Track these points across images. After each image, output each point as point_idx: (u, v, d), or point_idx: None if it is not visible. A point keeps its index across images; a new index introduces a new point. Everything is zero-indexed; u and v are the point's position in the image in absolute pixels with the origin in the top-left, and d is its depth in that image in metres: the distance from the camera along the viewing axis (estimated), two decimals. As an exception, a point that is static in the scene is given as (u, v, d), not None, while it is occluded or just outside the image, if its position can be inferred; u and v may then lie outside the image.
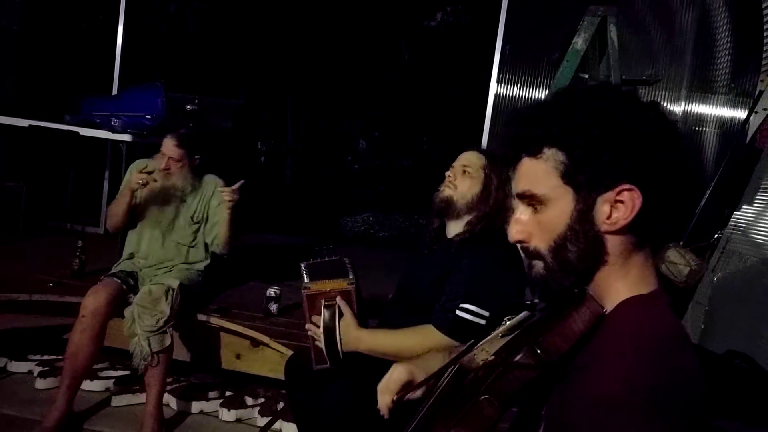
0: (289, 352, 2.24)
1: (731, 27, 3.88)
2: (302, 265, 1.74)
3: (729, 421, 2.15)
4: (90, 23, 5.44)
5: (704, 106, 4.02)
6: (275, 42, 7.04)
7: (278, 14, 6.82)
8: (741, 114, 3.85)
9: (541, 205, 0.80)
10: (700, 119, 4.04)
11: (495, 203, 1.68)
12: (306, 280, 1.69)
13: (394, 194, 7.84)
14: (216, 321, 2.60)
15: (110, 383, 2.63)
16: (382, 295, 2.09)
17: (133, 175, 2.49)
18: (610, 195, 0.76)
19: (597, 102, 0.78)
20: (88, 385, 2.54)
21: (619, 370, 0.70)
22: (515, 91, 4.15)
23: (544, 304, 0.83)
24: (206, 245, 2.71)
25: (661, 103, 4.04)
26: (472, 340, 0.94)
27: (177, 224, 2.64)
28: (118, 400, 2.55)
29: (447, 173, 1.76)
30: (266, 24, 6.82)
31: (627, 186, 0.75)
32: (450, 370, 0.92)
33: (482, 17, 6.45)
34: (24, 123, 3.77)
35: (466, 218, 1.72)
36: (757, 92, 3.53)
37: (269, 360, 2.54)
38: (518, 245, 0.84)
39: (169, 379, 2.46)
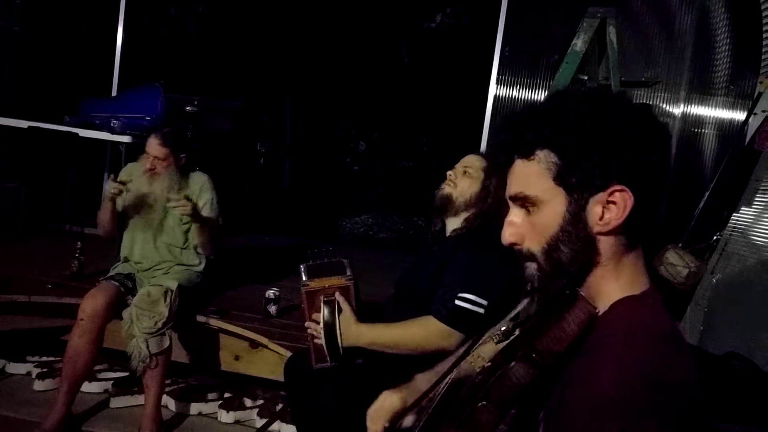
0: (288, 354, 2.23)
1: (730, 29, 3.89)
2: (301, 266, 1.76)
3: (729, 424, 2.14)
4: (90, 24, 5.44)
5: (703, 107, 4.03)
6: (274, 43, 7.04)
7: (278, 16, 6.83)
8: (740, 116, 3.86)
9: (534, 206, 0.80)
10: (699, 121, 4.04)
11: (494, 202, 1.72)
12: (304, 278, 1.72)
13: (394, 196, 7.84)
14: (215, 322, 2.60)
15: (109, 385, 2.63)
16: (382, 297, 2.10)
17: (108, 184, 2.46)
18: (602, 196, 0.76)
19: (588, 104, 0.79)
20: (86, 386, 2.54)
21: (614, 370, 0.70)
22: (515, 92, 4.15)
23: (536, 308, 0.83)
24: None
25: (661, 104, 4.08)
26: (465, 347, 0.93)
27: (166, 225, 2.60)
28: (116, 402, 2.54)
29: (448, 173, 1.82)
30: (266, 26, 6.82)
31: (619, 187, 0.75)
32: (447, 379, 0.92)
33: (482, 19, 6.45)
34: (23, 124, 3.77)
35: (464, 215, 1.77)
36: (756, 94, 3.54)
37: (268, 361, 2.54)
38: (512, 247, 0.84)
39: (167, 381, 2.46)
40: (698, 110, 4.04)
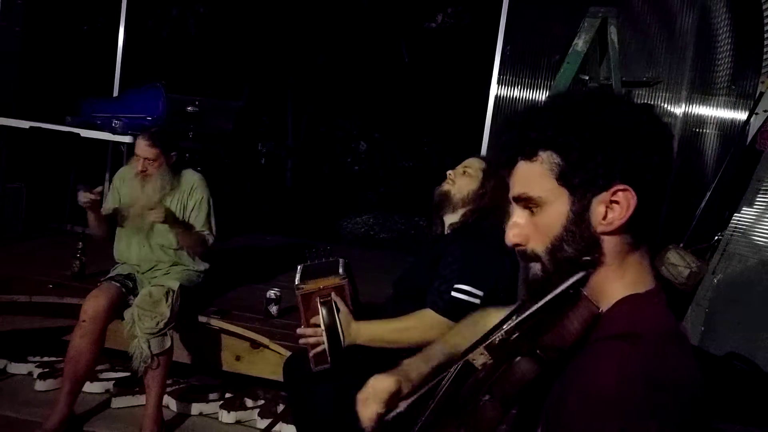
0: (289, 354, 2.23)
1: (731, 29, 3.89)
2: (299, 267, 1.79)
3: (730, 424, 2.14)
4: (91, 25, 5.45)
5: (705, 107, 4.02)
6: (276, 43, 7.04)
7: (279, 16, 6.83)
8: (741, 116, 3.85)
9: (537, 207, 0.80)
10: (700, 121, 4.04)
11: (490, 201, 1.74)
12: (297, 281, 1.73)
13: (395, 196, 7.84)
14: (216, 323, 2.60)
15: (110, 385, 2.63)
16: (382, 297, 2.10)
17: (80, 195, 2.42)
18: (605, 196, 0.76)
19: (590, 105, 0.80)
20: (88, 386, 2.54)
21: (615, 367, 0.70)
22: (516, 92, 4.15)
23: (537, 307, 0.83)
24: None
25: (662, 104, 4.07)
26: (468, 345, 0.93)
27: (157, 227, 2.55)
28: (117, 402, 2.55)
29: (448, 172, 1.88)
30: (267, 26, 6.83)
31: (621, 186, 0.75)
32: (449, 375, 0.92)
33: (483, 19, 6.45)
34: (25, 124, 3.78)
35: (461, 211, 1.82)
36: (757, 94, 3.53)
37: (269, 362, 2.54)
38: (516, 248, 0.84)
39: (168, 381, 2.46)
40: (700, 110, 4.03)
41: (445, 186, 1.86)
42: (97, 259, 2.95)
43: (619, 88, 3.20)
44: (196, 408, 2.57)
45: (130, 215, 2.54)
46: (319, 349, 1.67)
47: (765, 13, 3.53)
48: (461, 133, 6.66)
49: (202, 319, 2.61)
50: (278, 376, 2.34)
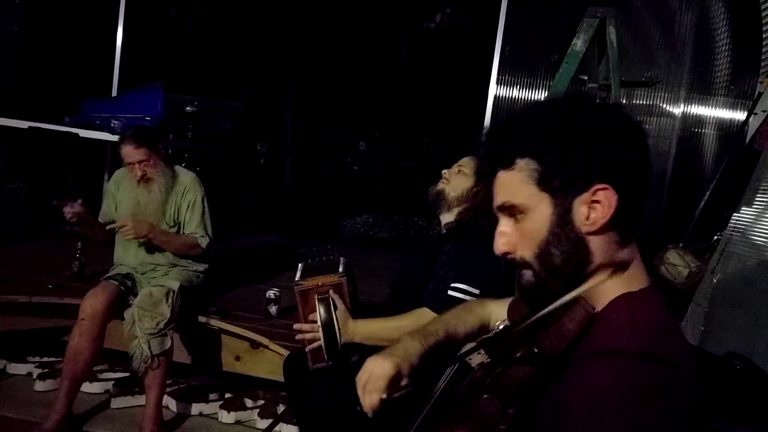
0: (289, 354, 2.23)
1: (730, 29, 3.89)
2: (300, 264, 1.79)
3: (729, 424, 2.14)
4: (90, 25, 5.44)
5: (703, 107, 4.03)
6: (275, 44, 7.04)
7: (278, 16, 6.83)
8: (740, 115, 3.86)
9: (521, 214, 0.82)
10: (699, 121, 4.05)
11: (485, 200, 1.73)
12: (297, 278, 1.73)
13: (394, 196, 7.84)
14: (216, 323, 2.60)
15: (110, 385, 2.63)
16: (381, 297, 2.10)
17: (65, 210, 2.40)
18: (586, 196, 0.78)
19: (562, 110, 0.81)
20: (87, 387, 2.54)
21: (611, 365, 0.71)
22: (515, 92, 4.16)
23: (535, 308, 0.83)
24: None
25: (661, 105, 4.08)
26: (466, 347, 0.94)
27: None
28: (117, 402, 2.54)
29: (443, 171, 1.89)
30: (266, 26, 6.82)
31: (601, 185, 0.77)
32: (448, 372, 0.92)
33: (481, 19, 6.45)
34: (24, 125, 3.78)
35: (457, 210, 1.83)
36: (756, 94, 3.54)
37: (269, 362, 2.54)
38: (506, 257, 0.85)
39: (168, 381, 2.46)
40: (698, 110, 4.04)
41: (440, 185, 1.87)
42: (97, 259, 2.95)
43: (617, 88, 3.21)
44: (195, 408, 2.57)
45: (141, 216, 2.50)
46: (315, 345, 1.67)
47: (764, 14, 3.53)
48: (460, 133, 6.67)
49: (202, 319, 2.61)
50: (278, 376, 2.34)
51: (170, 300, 2.34)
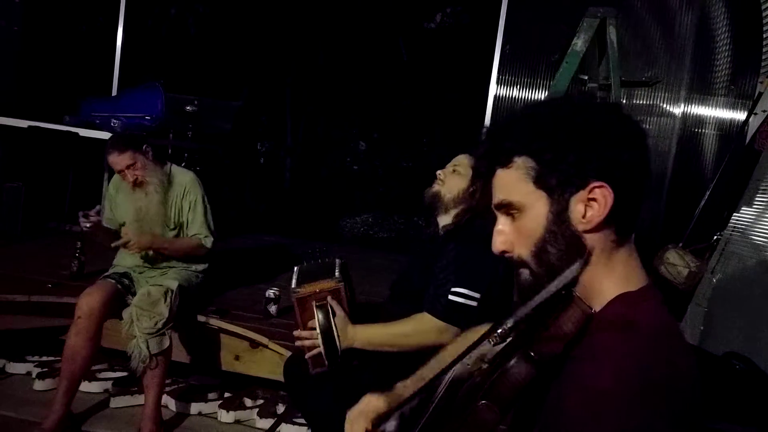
0: (288, 353, 2.23)
1: (731, 29, 3.89)
2: (295, 268, 1.76)
3: (729, 424, 2.14)
4: (90, 24, 5.44)
5: (704, 107, 4.03)
6: (275, 43, 7.04)
7: (278, 16, 6.83)
8: (740, 115, 3.86)
9: (518, 212, 0.82)
10: (699, 121, 4.04)
11: (482, 199, 1.71)
12: (294, 285, 1.71)
13: (394, 196, 7.84)
14: (215, 322, 2.60)
15: (109, 385, 2.62)
16: (381, 297, 2.10)
17: (80, 220, 2.38)
18: (582, 194, 0.78)
19: (560, 109, 0.82)
20: (86, 386, 2.53)
21: (611, 365, 0.71)
22: (515, 92, 4.15)
23: (530, 311, 0.83)
24: None
25: (661, 104, 4.07)
26: (463, 351, 0.94)
27: (155, 232, 2.51)
28: (116, 402, 2.54)
29: (438, 172, 1.85)
30: (266, 26, 6.82)
31: (597, 183, 0.77)
32: (445, 380, 0.92)
33: (482, 18, 6.45)
34: (23, 124, 3.78)
35: (454, 211, 1.80)
36: (756, 94, 3.54)
37: (268, 361, 2.53)
38: (504, 255, 0.85)
39: (167, 381, 2.46)
40: (699, 110, 4.04)
41: (435, 187, 1.83)
42: (96, 259, 2.94)
43: (617, 88, 3.21)
44: (195, 407, 2.57)
45: (140, 220, 2.49)
46: (315, 351, 1.66)
47: (764, 14, 3.53)
48: (460, 133, 6.67)
49: (201, 318, 2.60)
50: (277, 376, 2.33)
51: (168, 299, 2.33)
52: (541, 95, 4.11)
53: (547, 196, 0.79)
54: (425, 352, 1.36)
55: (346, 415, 1.17)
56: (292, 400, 1.92)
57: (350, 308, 1.71)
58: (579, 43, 3.05)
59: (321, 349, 1.64)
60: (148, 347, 2.24)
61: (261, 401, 2.61)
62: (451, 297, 1.64)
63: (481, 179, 0.88)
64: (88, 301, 2.28)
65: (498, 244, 0.85)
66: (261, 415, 2.51)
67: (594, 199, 0.77)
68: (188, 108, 4.02)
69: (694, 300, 2.81)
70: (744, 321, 2.58)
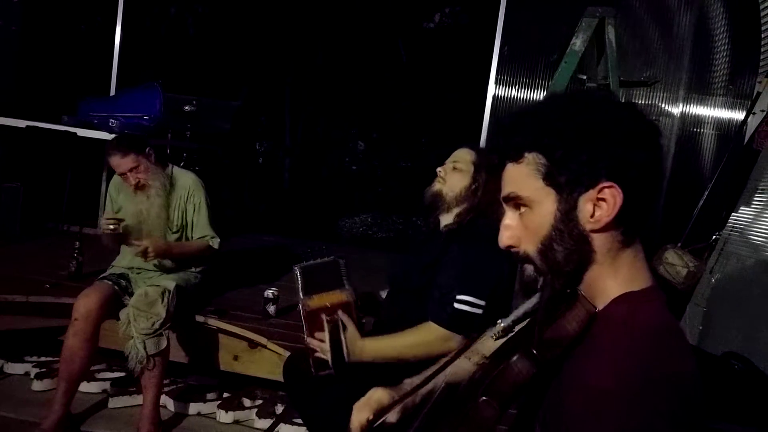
0: (287, 353, 2.23)
1: (729, 29, 3.89)
2: (295, 268, 1.71)
3: (728, 424, 2.14)
4: (88, 24, 5.44)
5: (702, 107, 4.03)
6: (274, 43, 7.04)
7: (277, 16, 6.83)
8: (739, 115, 3.86)
9: (526, 207, 0.82)
10: (698, 120, 4.05)
11: (484, 197, 1.70)
12: (302, 295, 1.66)
13: (393, 196, 7.84)
14: (213, 322, 2.60)
15: (107, 385, 2.62)
16: (379, 296, 2.09)
17: (103, 221, 2.39)
18: (591, 194, 0.77)
19: (573, 106, 0.81)
20: (84, 386, 2.53)
21: (613, 365, 0.71)
22: (513, 92, 4.15)
23: (533, 308, 0.83)
24: None
25: (660, 104, 4.07)
26: (461, 345, 0.94)
27: (155, 235, 2.49)
28: (114, 402, 2.54)
29: (438, 169, 1.80)
30: (265, 26, 6.82)
31: (607, 184, 0.76)
32: (444, 375, 0.92)
33: (480, 19, 6.45)
34: (22, 124, 3.77)
35: (456, 210, 1.76)
36: (755, 93, 3.54)
37: (267, 361, 2.53)
38: (510, 250, 0.85)
39: (166, 381, 2.45)
40: (697, 110, 4.04)
41: (436, 186, 1.78)
42: (94, 259, 2.94)
43: (616, 88, 3.21)
44: (193, 408, 2.56)
45: (142, 222, 2.48)
46: (321, 357, 1.65)
47: (762, 14, 3.53)
48: (459, 133, 6.67)
49: (200, 318, 2.60)
50: (276, 376, 2.33)
51: (166, 300, 2.33)
52: (540, 95, 4.11)
53: (556, 194, 0.79)
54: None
55: (353, 406, 1.20)
56: (290, 400, 1.91)
57: (357, 318, 1.67)
58: (578, 43, 3.05)
59: (328, 359, 1.62)
60: (145, 348, 2.24)
61: (260, 401, 2.61)
62: (456, 305, 1.61)
63: (483, 175, 0.88)
64: (85, 303, 2.27)
65: (505, 238, 0.84)
66: (260, 415, 2.50)
67: (603, 199, 0.76)
68: (187, 108, 4.02)
69: (692, 300, 2.81)
70: (743, 321, 2.58)
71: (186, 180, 2.61)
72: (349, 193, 8.10)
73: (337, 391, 1.64)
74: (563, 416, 0.71)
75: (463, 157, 1.79)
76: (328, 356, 1.61)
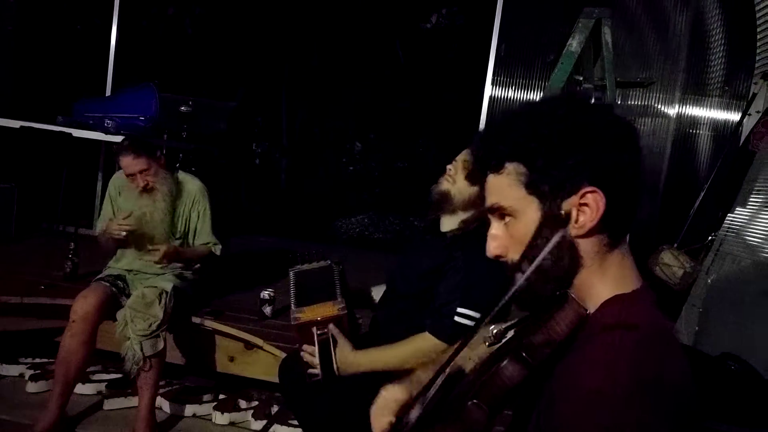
0: (283, 355, 2.22)
1: (725, 30, 3.91)
2: (290, 272, 1.70)
3: (723, 424, 2.15)
4: (84, 24, 5.42)
5: (698, 108, 4.04)
6: (270, 44, 7.03)
7: (274, 17, 6.82)
8: (734, 116, 3.88)
9: (510, 217, 0.82)
10: (694, 122, 4.06)
11: None
12: (293, 306, 1.64)
13: (389, 196, 7.83)
14: (209, 323, 2.59)
15: (102, 386, 2.61)
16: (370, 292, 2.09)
17: (109, 226, 2.38)
18: (573, 199, 0.77)
19: (550, 112, 0.80)
20: (80, 388, 2.51)
21: (603, 368, 0.71)
22: (510, 93, 4.16)
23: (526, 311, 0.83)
24: None
25: (656, 105, 4.08)
26: (455, 348, 0.93)
27: (158, 240, 2.49)
28: (110, 404, 2.53)
29: (448, 166, 1.72)
30: (262, 27, 6.82)
31: (589, 189, 0.76)
32: (439, 379, 0.92)
33: (477, 19, 6.46)
34: (16, 124, 3.75)
35: (462, 215, 1.69)
36: (750, 95, 3.56)
37: (263, 362, 2.53)
38: (499, 260, 0.86)
39: (161, 382, 2.44)
40: (693, 111, 4.05)
41: (445, 185, 1.69)
42: (90, 260, 2.92)
43: (612, 89, 3.21)
44: (189, 409, 2.55)
45: (145, 225, 2.47)
46: (312, 369, 1.63)
47: (758, 15, 3.55)
48: (456, 133, 6.67)
49: (196, 320, 2.59)
50: (272, 377, 2.32)
51: (163, 301, 2.32)
52: (536, 96, 4.12)
53: (539, 202, 0.79)
54: None
55: (371, 411, 1.13)
56: (286, 401, 1.90)
57: (350, 327, 1.65)
58: (574, 44, 3.06)
59: (318, 372, 1.60)
60: (141, 349, 2.23)
61: (256, 403, 2.61)
62: (456, 318, 1.58)
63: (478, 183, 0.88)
64: (83, 304, 2.26)
65: (492, 248, 0.85)
66: (256, 416, 2.50)
67: (586, 204, 0.77)
68: (183, 108, 4.00)
69: (689, 300, 2.81)
70: (738, 321, 2.59)
71: (192, 186, 2.62)
72: (345, 193, 8.09)
73: (333, 392, 1.63)
74: (555, 418, 0.71)
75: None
76: (318, 369, 1.60)
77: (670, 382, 0.72)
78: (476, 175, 0.88)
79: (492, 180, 0.83)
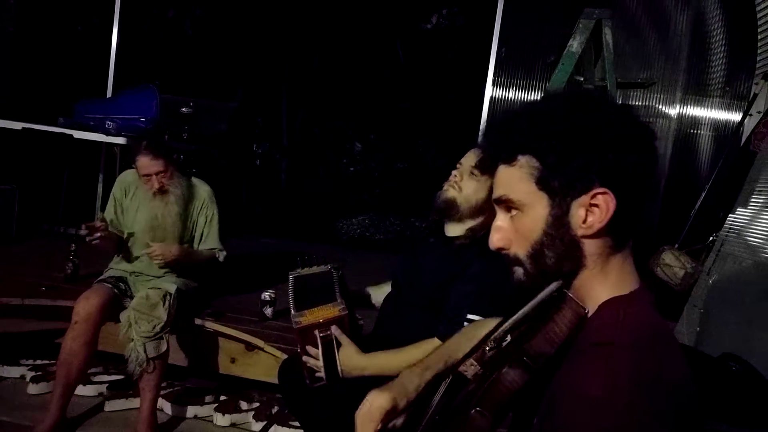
0: (284, 356, 2.22)
1: (726, 30, 3.91)
2: (290, 276, 1.67)
3: (724, 425, 2.14)
4: (85, 25, 5.42)
5: (699, 108, 4.04)
6: (271, 44, 7.04)
7: (274, 17, 6.82)
8: (735, 117, 3.88)
9: (518, 210, 0.81)
10: (695, 122, 4.06)
11: None
12: (293, 310, 1.62)
13: (390, 197, 7.83)
14: (211, 325, 2.59)
15: (103, 388, 2.61)
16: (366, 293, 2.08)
17: (84, 231, 2.36)
18: (584, 199, 0.77)
19: (568, 108, 0.80)
20: (81, 390, 2.51)
21: (603, 371, 0.70)
22: (510, 93, 4.16)
23: (524, 316, 0.83)
24: None
25: (657, 106, 4.08)
26: (460, 357, 0.93)
27: (157, 238, 2.49)
28: (111, 405, 2.53)
29: (453, 173, 1.69)
30: (262, 27, 6.82)
31: (601, 190, 0.76)
32: (441, 388, 0.92)
33: (478, 20, 6.46)
34: (17, 125, 3.75)
35: (469, 223, 1.66)
36: (751, 95, 3.56)
37: (264, 364, 2.53)
38: (501, 252, 0.84)
39: (163, 384, 2.44)
40: (694, 111, 4.05)
41: (450, 192, 1.65)
42: (91, 261, 2.92)
43: (613, 90, 3.21)
44: (190, 411, 2.55)
45: (156, 228, 2.47)
46: (315, 371, 1.62)
47: (759, 15, 3.54)
48: (456, 134, 6.67)
49: (198, 321, 2.59)
50: (273, 379, 2.32)
51: (167, 303, 2.32)
52: (537, 97, 4.12)
53: (549, 198, 0.78)
54: None
55: (355, 415, 1.14)
56: (286, 403, 1.89)
57: (351, 330, 1.63)
58: (575, 45, 3.06)
59: (322, 375, 1.59)
60: (145, 351, 2.23)
61: (257, 404, 2.60)
62: (466, 324, 1.53)
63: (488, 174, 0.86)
64: (86, 306, 2.26)
65: (495, 240, 0.84)
66: (257, 418, 2.50)
67: (596, 205, 0.76)
68: (183, 109, 4.01)
69: (690, 301, 2.81)
70: (740, 322, 2.59)
71: (201, 192, 2.62)
72: (346, 194, 8.09)
73: (333, 394, 1.63)
74: (557, 421, 0.71)
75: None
76: (321, 372, 1.58)
77: (669, 382, 0.71)
78: (487, 167, 0.87)
79: (503, 171, 0.82)
